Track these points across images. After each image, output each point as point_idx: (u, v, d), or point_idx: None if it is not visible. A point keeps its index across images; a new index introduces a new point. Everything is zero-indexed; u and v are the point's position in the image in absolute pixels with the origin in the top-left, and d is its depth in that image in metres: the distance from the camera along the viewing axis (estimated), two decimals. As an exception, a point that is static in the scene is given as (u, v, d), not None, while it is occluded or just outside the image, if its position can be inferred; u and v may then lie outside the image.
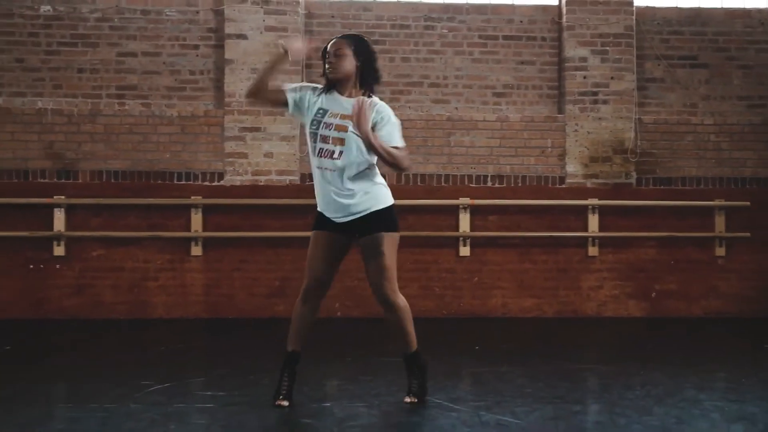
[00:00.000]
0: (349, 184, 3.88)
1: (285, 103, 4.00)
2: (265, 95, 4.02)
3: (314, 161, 3.93)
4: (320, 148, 3.89)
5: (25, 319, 6.72)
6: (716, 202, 7.20)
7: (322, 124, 3.90)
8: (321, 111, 3.94)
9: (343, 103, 3.92)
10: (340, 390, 4.49)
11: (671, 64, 7.40)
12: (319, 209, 3.99)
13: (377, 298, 3.97)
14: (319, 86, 4.03)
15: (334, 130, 3.88)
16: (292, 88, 4.02)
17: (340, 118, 3.89)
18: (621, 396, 4.25)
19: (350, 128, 3.84)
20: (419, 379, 4.06)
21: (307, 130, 3.96)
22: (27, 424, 3.67)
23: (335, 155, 3.87)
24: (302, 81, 6.71)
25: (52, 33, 7.02)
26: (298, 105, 3.99)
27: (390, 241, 3.93)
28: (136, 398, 4.12)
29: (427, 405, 4.01)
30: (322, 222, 3.97)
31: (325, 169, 3.89)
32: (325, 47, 4.00)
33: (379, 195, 3.94)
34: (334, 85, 3.97)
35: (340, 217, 3.92)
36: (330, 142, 3.88)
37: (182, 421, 3.78)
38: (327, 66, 3.94)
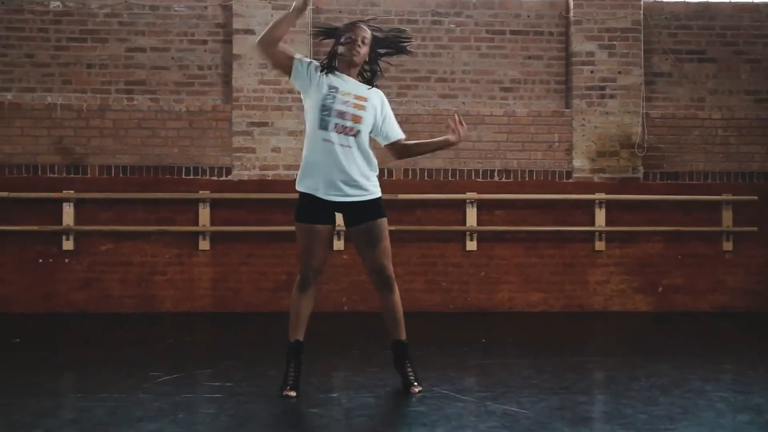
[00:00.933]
0: (360, 163, 3.97)
1: (287, 70, 4.04)
2: (275, 52, 4.03)
3: (325, 135, 3.94)
4: (335, 123, 3.94)
5: (34, 312, 6.77)
6: (723, 197, 7.19)
7: (337, 99, 3.96)
8: (333, 88, 3.99)
9: (355, 85, 4.03)
10: (347, 381, 4.52)
11: (679, 58, 7.39)
12: (310, 190, 3.98)
13: (381, 280, 4.04)
14: (319, 64, 4.08)
15: (352, 107, 3.97)
16: (300, 59, 4.05)
17: (355, 97, 3.99)
18: (627, 387, 4.25)
19: (367, 108, 3.98)
20: (413, 366, 4.11)
21: (318, 103, 3.97)
22: (39, 414, 3.71)
23: (353, 132, 3.96)
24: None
25: (62, 29, 7.07)
26: (301, 75, 4.01)
27: (386, 226, 4.09)
28: (144, 388, 4.15)
29: (434, 395, 4.03)
30: (311, 214, 3.99)
31: (340, 144, 3.94)
32: (343, 29, 4.08)
33: (377, 183, 4.09)
34: (335, 65, 4.04)
35: (337, 196, 3.96)
36: (347, 118, 3.95)
37: (190, 410, 3.81)
38: (350, 49, 4.00)
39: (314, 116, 3.98)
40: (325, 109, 3.95)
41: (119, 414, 3.71)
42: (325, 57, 4.12)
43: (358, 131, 3.98)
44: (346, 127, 3.95)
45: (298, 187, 4.06)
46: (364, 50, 4.03)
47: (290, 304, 4.11)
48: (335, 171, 3.95)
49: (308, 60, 4.10)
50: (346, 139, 3.95)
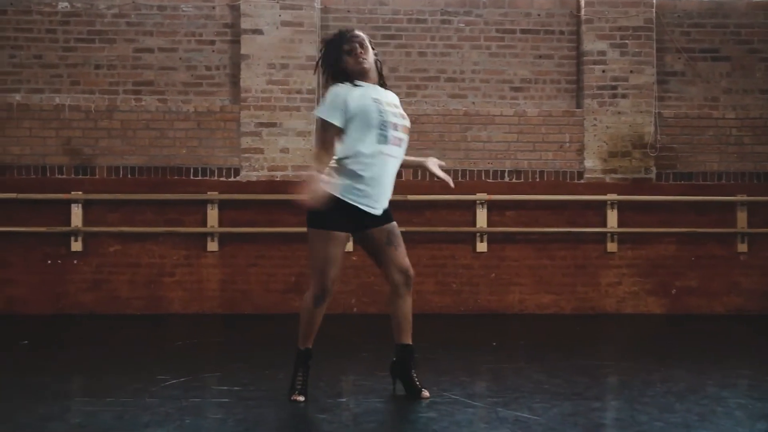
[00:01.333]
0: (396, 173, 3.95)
1: (340, 130, 3.82)
2: (330, 148, 3.83)
3: (385, 149, 3.80)
4: (393, 136, 3.83)
5: (42, 314, 6.76)
6: (738, 198, 7.09)
7: (387, 112, 3.83)
8: (376, 101, 3.83)
9: (384, 92, 3.94)
10: (356, 385, 4.46)
11: (692, 57, 7.30)
12: (354, 202, 3.80)
13: (406, 278, 3.99)
14: (340, 85, 3.85)
15: (400, 117, 3.91)
16: (331, 114, 3.79)
17: (394, 106, 3.92)
18: (641, 393, 4.17)
19: (405, 116, 3.94)
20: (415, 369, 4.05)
21: (375, 119, 3.76)
22: (45, 417, 3.67)
23: (402, 143, 3.91)
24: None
25: (70, 29, 7.05)
26: (342, 114, 3.80)
27: None
28: (152, 392, 4.11)
29: (445, 401, 3.96)
30: (337, 221, 3.84)
31: (393, 156, 3.86)
32: (340, 38, 3.91)
33: None
34: (355, 76, 3.87)
35: (380, 208, 3.89)
36: (400, 129, 3.89)
37: (198, 415, 3.77)
38: (356, 60, 3.84)
39: (371, 132, 3.76)
40: (383, 125, 3.78)
41: (126, 418, 3.66)
42: (331, 76, 3.90)
43: (404, 141, 3.92)
44: (401, 139, 3.88)
45: (342, 196, 3.78)
46: (369, 55, 3.88)
47: (302, 312, 3.96)
48: (388, 184, 3.87)
49: (329, 102, 3.80)
50: (398, 151, 3.89)
